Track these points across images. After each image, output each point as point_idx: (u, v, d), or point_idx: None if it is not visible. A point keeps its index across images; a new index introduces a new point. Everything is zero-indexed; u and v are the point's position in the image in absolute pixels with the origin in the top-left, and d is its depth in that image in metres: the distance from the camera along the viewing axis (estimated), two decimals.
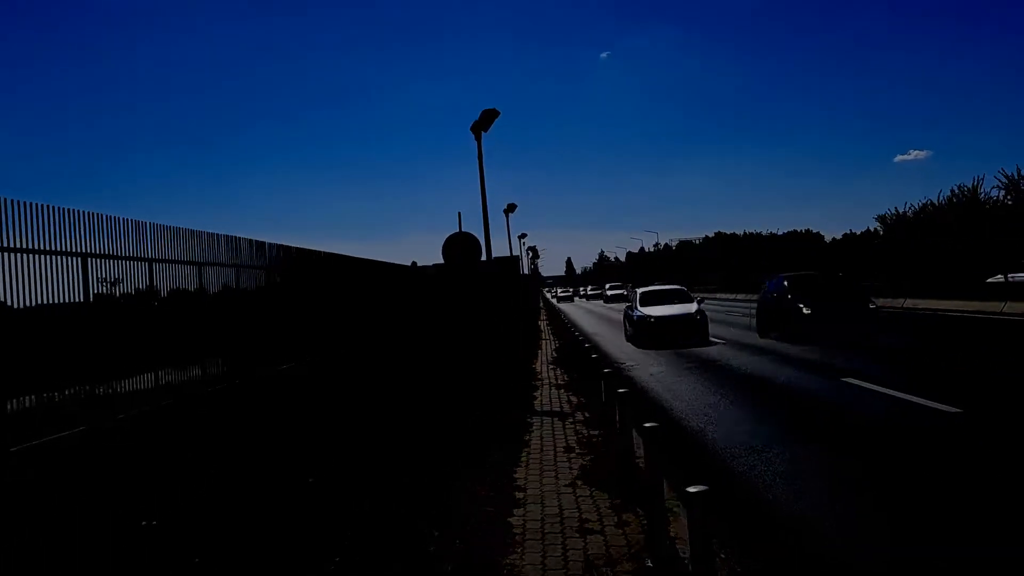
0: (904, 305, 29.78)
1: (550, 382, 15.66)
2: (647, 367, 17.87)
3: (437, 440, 8.87)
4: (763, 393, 13.18)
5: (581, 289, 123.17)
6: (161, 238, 6.30)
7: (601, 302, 76.09)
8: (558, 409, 12.16)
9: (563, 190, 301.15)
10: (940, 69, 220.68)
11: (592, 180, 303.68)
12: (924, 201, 55.43)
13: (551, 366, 18.67)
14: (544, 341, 27.06)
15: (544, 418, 11.32)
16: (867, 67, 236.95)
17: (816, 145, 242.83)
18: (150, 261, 6.14)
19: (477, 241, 19.42)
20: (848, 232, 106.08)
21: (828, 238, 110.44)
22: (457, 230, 20.23)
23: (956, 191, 50.47)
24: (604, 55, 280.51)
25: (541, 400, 13.25)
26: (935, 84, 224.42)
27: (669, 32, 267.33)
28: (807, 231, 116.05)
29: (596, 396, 11.76)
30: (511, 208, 36.04)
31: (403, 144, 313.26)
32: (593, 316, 47.19)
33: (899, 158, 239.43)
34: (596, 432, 9.93)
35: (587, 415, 11.29)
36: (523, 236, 66.58)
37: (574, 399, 13.08)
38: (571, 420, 11.08)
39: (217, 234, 6.91)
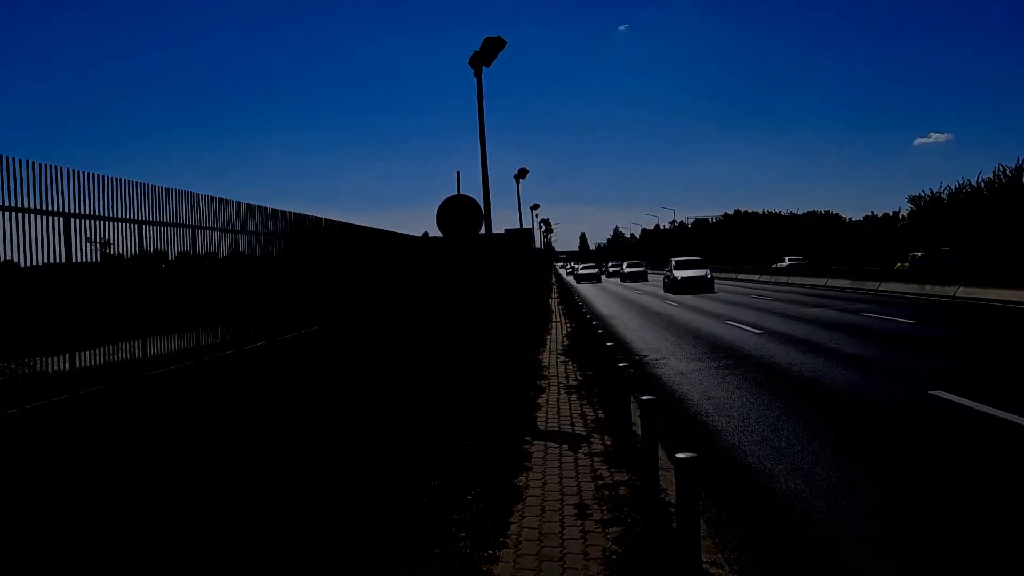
0: (956, 295, 26.38)
1: (559, 382, 12.57)
2: (675, 362, 14.75)
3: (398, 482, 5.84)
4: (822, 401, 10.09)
5: (608, 265, 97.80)
6: (203, 205, 6.37)
7: (618, 280, 69.71)
8: (568, 429, 9.07)
9: (577, 164, 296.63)
10: (961, 52, 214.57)
11: (607, 155, 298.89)
12: (962, 182, 52.00)
13: (561, 358, 15.58)
14: (554, 324, 23.93)
15: (549, 445, 8.23)
16: (888, 49, 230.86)
17: (836, 127, 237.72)
18: (194, 227, 6.15)
19: (476, 205, 16.29)
20: (870, 214, 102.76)
21: (847, 219, 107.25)
22: (455, 193, 17.09)
23: (998, 172, 46.99)
24: (622, 28, 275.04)
25: (546, 411, 10.17)
26: (957, 67, 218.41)
27: (688, 6, 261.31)
28: (827, 212, 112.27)
29: (619, 409, 8.78)
30: (522, 174, 32.55)
31: (413, 115, 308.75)
32: (607, 295, 43.98)
33: (919, 141, 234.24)
34: (623, 476, 6.86)
35: (608, 442, 8.20)
36: (536, 207, 62.43)
37: (589, 412, 9.99)
38: (586, 449, 7.99)
39: (247, 204, 7.05)
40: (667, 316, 25.89)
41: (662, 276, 48.16)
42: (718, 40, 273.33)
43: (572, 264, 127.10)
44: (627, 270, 70.50)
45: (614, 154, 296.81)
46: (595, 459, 7.54)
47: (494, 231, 28.79)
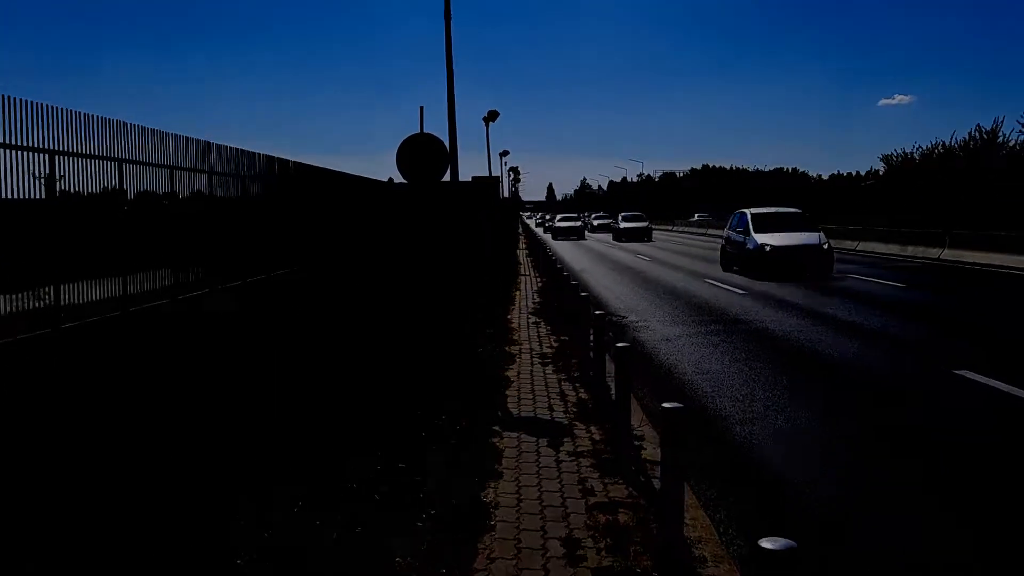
0: (941, 257, 25.13)
1: (531, 348, 10.92)
2: (658, 325, 13.17)
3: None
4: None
5: (592, 218, 74.96)
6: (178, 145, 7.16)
7: (609, 238, 65.05)
8: (546, 414, 7.43)
9: (545, 113, 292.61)
10: (926, 14, 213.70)
11: (576, 105, 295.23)
12: (934, 142, 50.89)
13: (532, 318, 13.91)
14: (524, 278, 22.24)
15: (523, 439, 6.57)
16: (855, 8, 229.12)
17: (803, 86, 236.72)
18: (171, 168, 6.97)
19: (441, 145, 14.46)
20: (836, 172, 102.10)
21: (814, 177, 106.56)
22: (418, 131, 15.19)
23: (973, 133, 45.85)
24: None
25: (519, 388, 8.51)
26: (920, 29, 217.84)
27: None
28: (793, 169, 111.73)
29: (601, 384, 7.24)
30: (492, 116, 30.51)
31: (377, 54, 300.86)
32: (577, 248, 42.33)
33: (883, 102, 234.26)
34: (621, 491, 5.25)
35: (596, 437, 6.58)
36: (505, 154, 60.36)
37: (570, 390, 8.36)
38: (569, 446, 6.35)
39: (228, 146, 7.70)
40: (641, 272, 24.33)
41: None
42: None
43: (543, 215, 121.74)
44: (624, 225, 49.73)
45: (582, 104, 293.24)
46: (582, 463, 5.90)
47: (461, 178, 27.07)
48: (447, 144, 15.20)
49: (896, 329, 12.64)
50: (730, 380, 9.05)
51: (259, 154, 12.02)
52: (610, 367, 7.18)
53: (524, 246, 42.30)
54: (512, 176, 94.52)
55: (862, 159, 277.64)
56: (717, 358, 10.41)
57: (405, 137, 14.63)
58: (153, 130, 7.85)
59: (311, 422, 6.26)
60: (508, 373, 9.23)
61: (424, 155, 15.04)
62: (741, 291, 17.73)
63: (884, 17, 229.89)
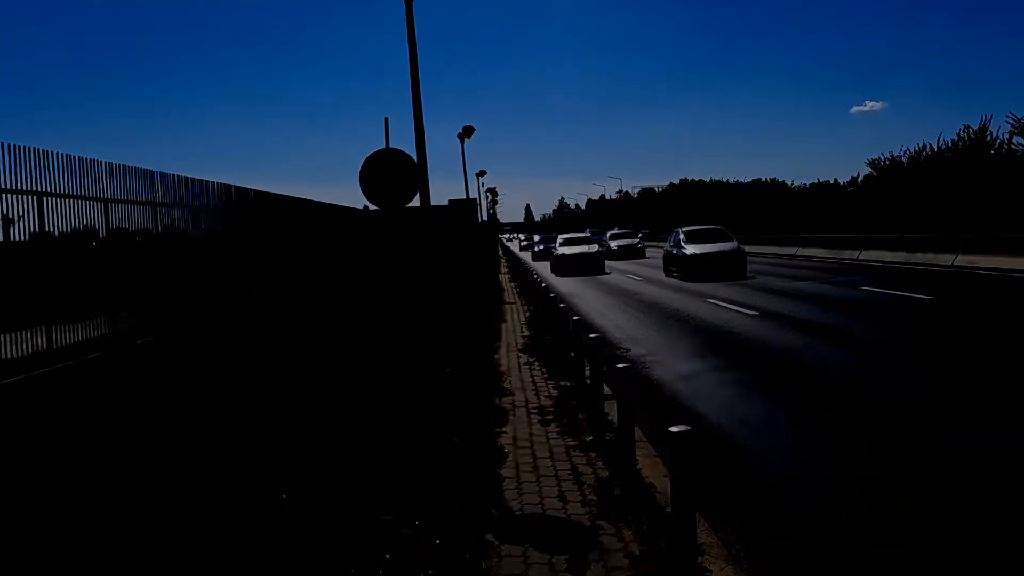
0: (955, 263, 23.42)
1: (526, 399, 8.94)
2: (670, 360, 11.24)
3: None
4: None
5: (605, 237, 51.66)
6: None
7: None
8: (557, 509, 5.44)
9: (519, 135, 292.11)
10: (894, 19, 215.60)
11: (550, 125, 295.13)
12: (921, 145, 49.64)
13: (523, 357, 11.95)
14: (509, 307, 20.26)
15: (530, 557, 4.60)
16: (824, 15, 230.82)
17: (775, 96, 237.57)
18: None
19: (409, 161, 12.57)
20: (816, 181, 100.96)
21: (793, 186, 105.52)
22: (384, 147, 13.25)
23: (961, 133, 44.61)
24: None
25: (516, 463, 6.52)
26: (889, 34, 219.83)
27: None
28: (772, 180, 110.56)
29: (626, 459, 5.36)
30: (468, 132, 28.55)
31: (342, 87, 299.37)
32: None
33: (855, 109, 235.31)
34: None
35: (628, 542, 4.61)
36: (482, 174, 58.12)
37: (582, 464, 6.37)
38: (598, 570, 4.39)
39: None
40: (635, 293, 22.43)
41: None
42: (660, 7, 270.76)
43: (528, 236, 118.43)
44: (614, 244, 45.85)
45: (558, 125, 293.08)
46: None
47: (434, 202, 24.86)
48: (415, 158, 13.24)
49: (967, 366, 10.80)
50: (778, 438, 7.11)
51: (212, 182, 10.42)
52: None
53: (505, 269, 40.39)
54: (490, 197, 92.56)
55: (839, 167, 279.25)
56: (752, 405, 8.48)
57: (369, 154, 12.74)
58: (81, 158, 5.92)
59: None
60: (502, 438, 7.25)
61: (389, 173, 13.16)
62: (751, 312, 15.87)
63: (852, 24, 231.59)
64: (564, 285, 27.41)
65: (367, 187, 12.71)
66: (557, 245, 36.03)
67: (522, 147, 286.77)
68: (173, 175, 8.00)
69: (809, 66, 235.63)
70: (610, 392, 6.71)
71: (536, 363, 11.30)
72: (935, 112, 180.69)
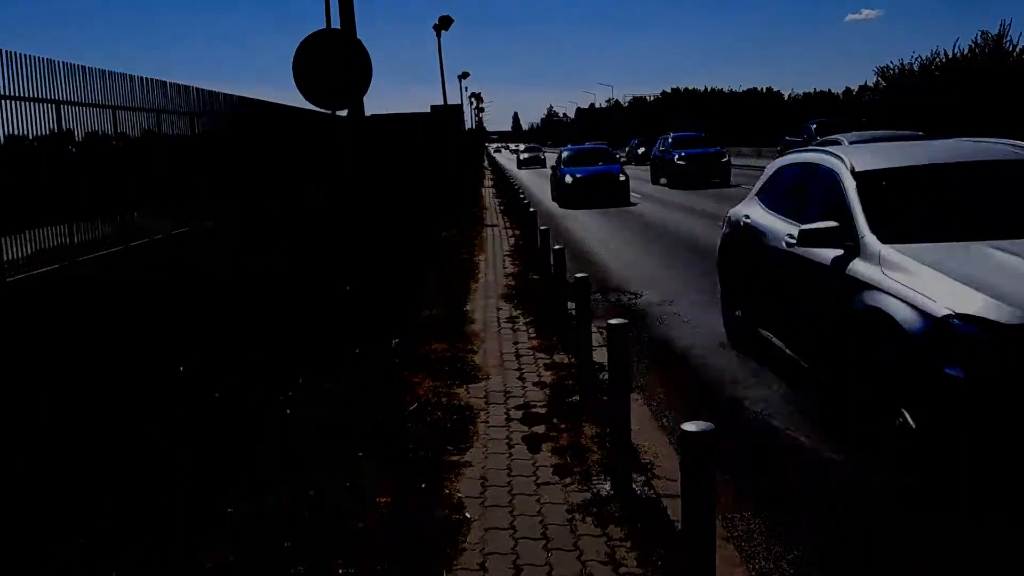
0: None
1: (504, 387, 6.05)
2: (690, 307, 8.34)
3: None
4: None
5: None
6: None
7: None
8: None
9: (506, 39, 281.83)
10: None
11: (540, 29, 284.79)
12: (933, 51, 45.97)
13: (503, 308, 9.01)
14: (492, 232, 17.14)
15: None
16: None
17: (771, 5, 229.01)
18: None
19: (359, 46, 9.42)
20: (813, 91, 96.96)
21: (787, 96, 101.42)
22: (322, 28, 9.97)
23: (978, 40, 40.97)
24: None
25: (492, 507, 3.70)
26: None
27: None
28: (767, 89, 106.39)
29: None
30: (445, 23, 24.48)
31: None
32: (546, 180, 37.22)
33: (850, 17, 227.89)
34: None
35: None
36: (465, 76, 53.11)
37: (624, 554, 3.54)
38: None
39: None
40: (637, 215, 19.38)
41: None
42: None
43: (520, 146, 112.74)
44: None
45: (548, 30, 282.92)
46: None
47: (410, 110, 21.75)
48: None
49: None
50: None
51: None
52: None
53: (491, 182, 37.12)
54: (475, 103, 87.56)
55: (834, 77, 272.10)
56: None
57: (304, 38, 9.56)
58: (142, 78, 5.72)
59: None
60: (459, 485, 4.37)
61: (333, 62, 10.00)
62: None
63: None
64: (557, 207, 24.31)
65: (304, 81, 9.54)
66: (561, 165, 24.72)
67: (508, 52, 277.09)
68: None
69: None
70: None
71: (521, 318, 8.39)
72: (932, 20, 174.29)
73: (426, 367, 6.43)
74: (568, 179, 22.93)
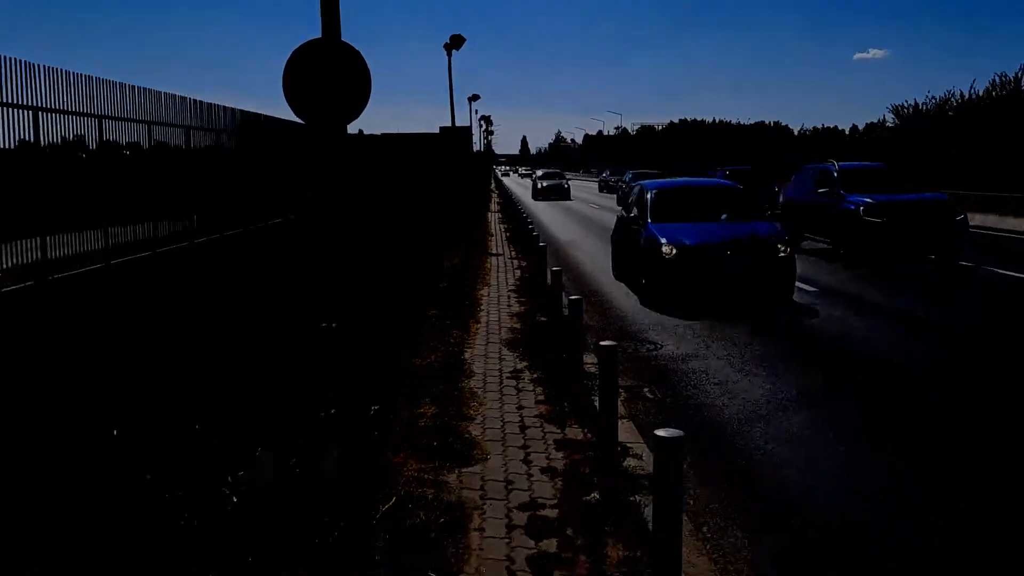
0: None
1: (506, 484, 4.85)
2: (730, 372, 7.15)
3: None
4: None
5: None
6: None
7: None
8: None
9: (518, 63, 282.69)
10: None
11: (551, 57, 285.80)
12: (948, 92, 45.04)
13: (506, 358, 7.80)
14: (495, 261, 15.94)
15: None
16: None
17: (778, 38, 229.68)
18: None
19: (358, 57, 8.28)
20: (821, 126, 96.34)
21: (797, 131, 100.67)
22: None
23: (996, 82, 40.02)
24: None
25: None
26: None
27: None
28: (776, 123, 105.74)
29: None
30: (456, 43, 23.35)
31: None
32: (556, 209, 36.14)
33: (858, 56, 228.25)
34: None
35: None
36: (475, 98, 51.71)
37: None
38: None
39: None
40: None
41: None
42: None
43: (530, 168, 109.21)
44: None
45: (556, 56, 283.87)
46: None
47: (418, 131, 20.95)
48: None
49: None
50: None
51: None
52: None
53: (497, 206, 36.03)
54: (484, 126, 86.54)
55: (841, 114, 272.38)
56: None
57: (297, 47, 8.39)
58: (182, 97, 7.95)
59: None
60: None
61: (326, 77, 8.84)
62: (810, 288, 11.70)
63: None
64: (562, 230, 23.15)
65: (294, 95, 8.39)
66: (646, 215, 11.85)
67: (518, 77, 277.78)
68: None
69: (813, 10, 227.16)
70: None
71: (526, 373, 7.18)
72: (938, 63, 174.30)
73: (411, 441, 5.23)
74: (668, 249, 10.64)
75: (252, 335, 7.26)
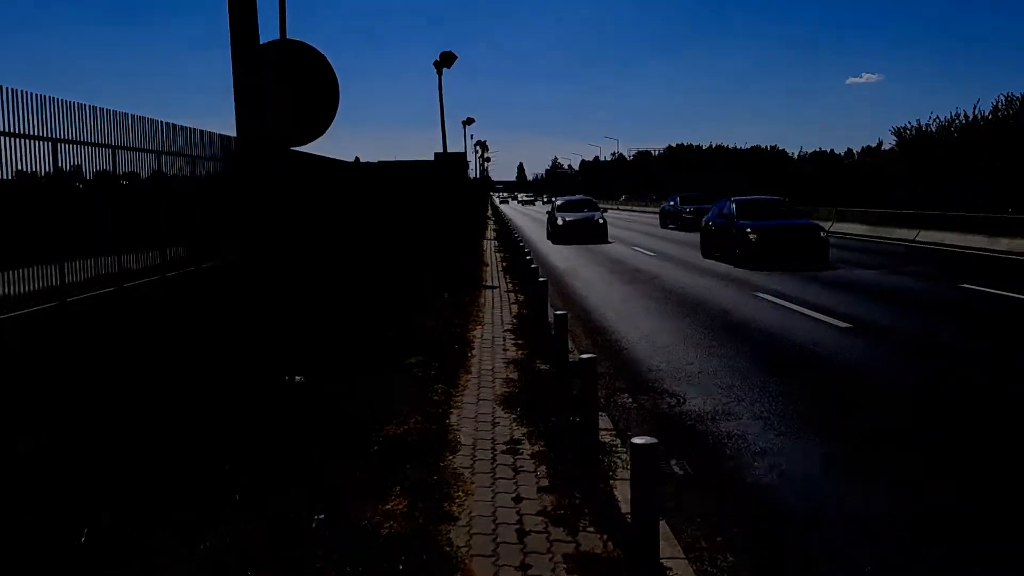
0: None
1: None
2: (756, 426, 5.70)
3: None
4: None
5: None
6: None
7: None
8: None
9: (513, 90, 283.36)
10: None
11: (546, 83, 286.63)
12: (954, 113, 43.99)
13: (504, 417, 6.34)
14: (491, 295, 14.48)
15: None
16: None
17: (772, 62, 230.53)
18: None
19: (324, 63, 7.05)
20: (818, 150, 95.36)
21: (794, 155, 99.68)
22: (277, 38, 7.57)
23: (1001, 103, 38.92)
24: None
25: None
26: (886, 4, 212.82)
27: None
28: (772, 147, 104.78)
29: None
30: (447, 60, 21.90)
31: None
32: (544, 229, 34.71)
33: (851, 80, 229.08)
34: None
35: None
36: (469, 122, 50.11)
37: None
38: None
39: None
40: (658, 278, 16.78)
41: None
42: None
43: (531, 194, 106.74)
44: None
45: (553, 82, 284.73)
46: None
47: (408, 158, 19.91)
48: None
49: None
50: None
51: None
52: None
53: (493, 233, 34.66)
54: (480, 151, 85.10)
55: (835, 137, 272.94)
56: None
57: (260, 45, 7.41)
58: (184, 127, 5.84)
59: None
60: None
61: (287, 83, 7.88)
62: (841, 323, 10.32)
63: None
64: (560, 258, 21.73)
65: (245, 109, 7.26)
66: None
67: (513, 103, 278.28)
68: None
69: (805, 34, 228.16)
70: None
71: (526, 440, 5.73)
72: (930, 87, 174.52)
73: (365, 564, 3.75)
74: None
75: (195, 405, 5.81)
